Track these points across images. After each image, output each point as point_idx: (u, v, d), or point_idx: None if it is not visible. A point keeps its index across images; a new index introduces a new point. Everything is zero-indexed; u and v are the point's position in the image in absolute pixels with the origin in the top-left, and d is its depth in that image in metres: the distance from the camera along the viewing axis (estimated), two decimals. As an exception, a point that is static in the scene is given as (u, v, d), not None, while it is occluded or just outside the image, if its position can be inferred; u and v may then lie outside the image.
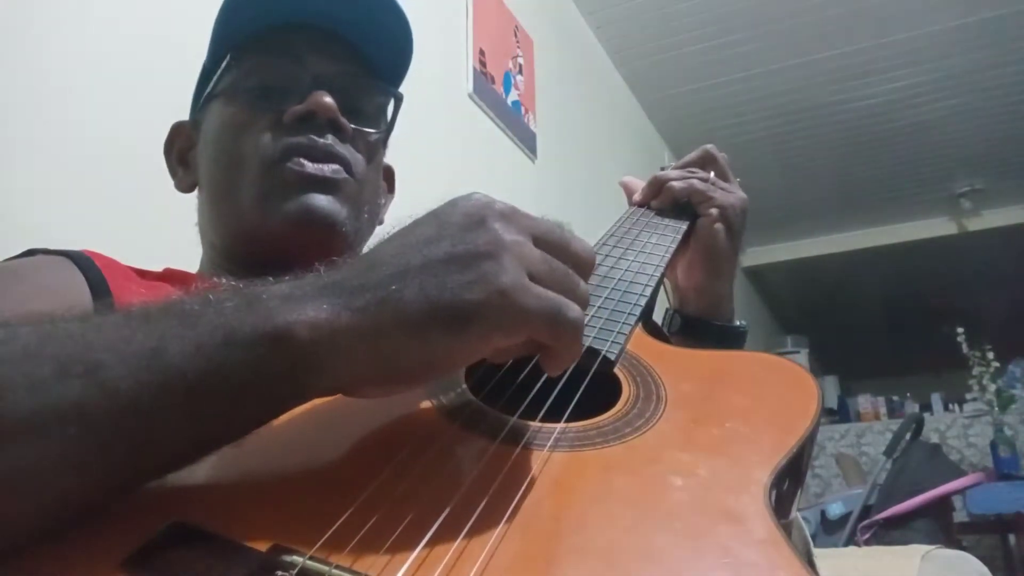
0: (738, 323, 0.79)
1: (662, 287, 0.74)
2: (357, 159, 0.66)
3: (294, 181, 0.62)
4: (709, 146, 0.84)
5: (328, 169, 0.63)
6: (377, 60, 0.70)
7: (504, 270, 0.35)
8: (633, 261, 0.65)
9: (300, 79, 0.65)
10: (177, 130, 0.74)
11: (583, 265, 0.40)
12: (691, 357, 0.59)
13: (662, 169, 0.86)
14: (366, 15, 0.68)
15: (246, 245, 0.65)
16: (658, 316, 0.72)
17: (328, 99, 0.63)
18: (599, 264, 0.64)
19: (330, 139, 0.64)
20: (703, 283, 0.78)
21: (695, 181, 0.80)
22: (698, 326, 0.77)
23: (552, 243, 0.39)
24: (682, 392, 0.49)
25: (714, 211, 0.77)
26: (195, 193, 0.72)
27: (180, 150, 0.73)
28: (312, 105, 0.63)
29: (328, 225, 0.62)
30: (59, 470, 0.30)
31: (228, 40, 0.67)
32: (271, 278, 0.36)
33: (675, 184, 0.80)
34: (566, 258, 0.39)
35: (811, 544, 0.57)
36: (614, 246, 0.68)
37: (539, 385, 0.46)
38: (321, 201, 0.62)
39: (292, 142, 0.62)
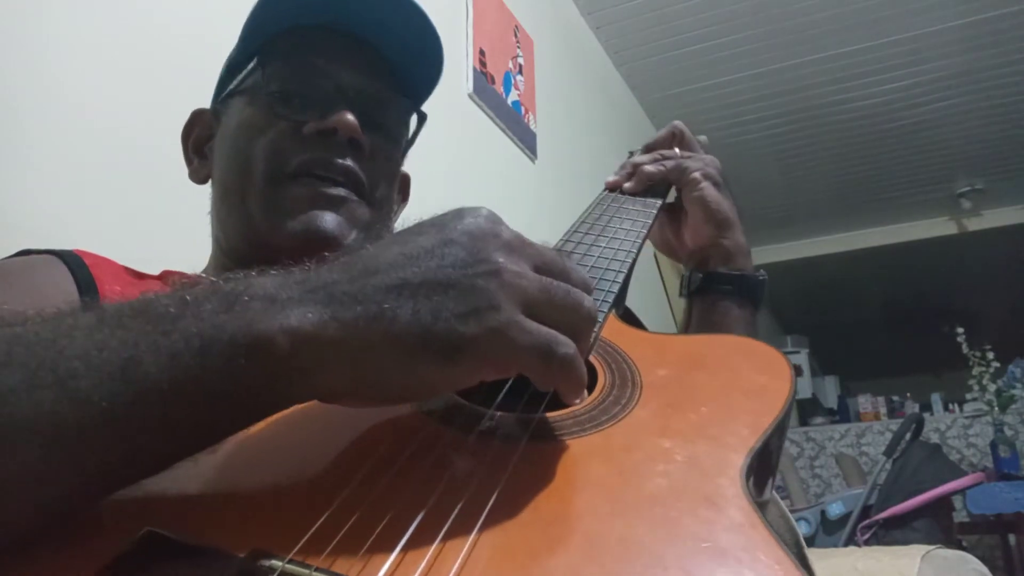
0: (760, 273, 0.78)
1: (659, 274, 0.74)
2: (374, 178, 0.66)
3: (303, 198, 0.62)
4: (676, 122, 0.85)
5: (341, 192, 0.63)
6: (405, 75, 0.70)
7: (500, 306, 0.35)
8: (605, 248, 0.64)
9: (325, 89, 0.64)
10: (197, 117, 0.73)
11: (582, 291, 0.40)
12: (665, 342, 0.58)
13: (631, 154, 0.87)
14: (401, 29, 0.68)
15: (251, 249, 0.65)
16: (631, 301, 0.72)
17: (350, 117, 0.62)
18: (571, 253, 0.63)
19: (349, 160, 0.63)
20: (714, 238, 0.77)
21: (667, 161, 0.80)
22: (717, 278, 0.77)
23: (553, 272, 0.39)
24: (657, 377, 0.49)
25: (695, 175, 0.78)
26: (205, 186, 0.72)
27: (197, 139, 0.72)
28: (334, 123, 0.62)
29: (335, 246, 0.61)
30: (30, 481, 0.30)
31: (257, 37, 0.66)
32: (254, 272, 0.35)
33: (648, 167, 0.80)
34: (567, 284, 0.39)
35: (797, 527, 0.57)
36: (585, 233, 0.68)
37: (514, 377, 0.46)
38: (328, 220, 0.62)
39: (309, 159, 0.62)
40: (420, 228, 0.38)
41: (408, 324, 0.33)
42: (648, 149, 0.85)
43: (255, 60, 0.66)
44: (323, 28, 0.66)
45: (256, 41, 0.66)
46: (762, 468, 0.42)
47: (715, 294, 0.76)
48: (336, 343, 0.33)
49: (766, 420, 0.44)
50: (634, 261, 0.65)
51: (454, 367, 0.34)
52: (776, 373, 0.50)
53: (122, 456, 0.31)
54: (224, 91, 0.70)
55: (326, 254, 0.37)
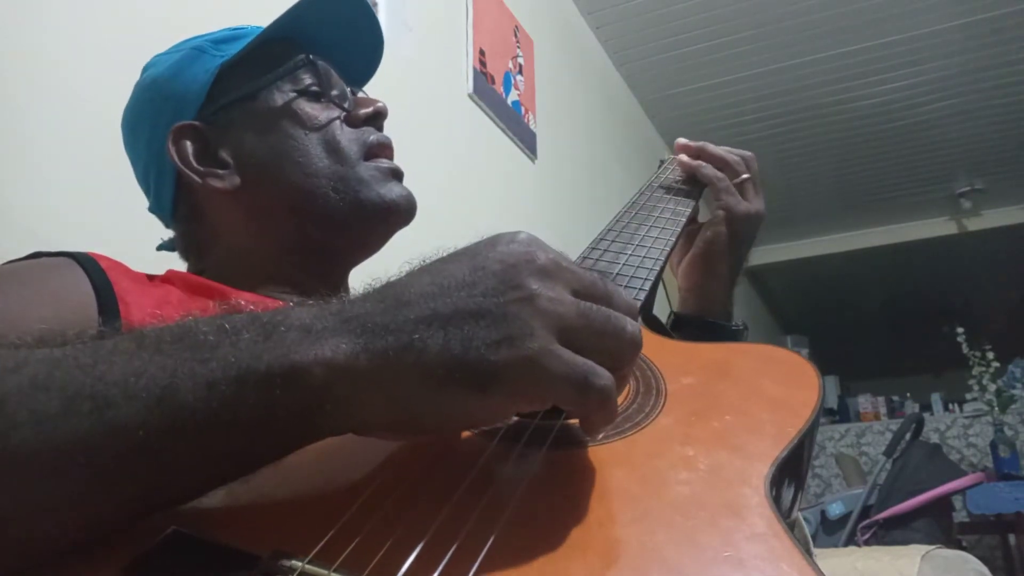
0: (734, 324, 0.79)
1: (663, 286, 0.75)
2: None
3: (387, 173, 0.69)
4: (752, 155, 0.84)
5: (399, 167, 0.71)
6: (352, 67, 0.76)
7: (534, 334, 0.33)
8: (632, 255, 0.65)
9: (340, 83, 0.72)
10: (182, 133, 0.68)
11: (625, 315, 0.38)
12: (691, 350, 0.58)
13: (661, 163, 0.87)
14: (354, 36, 0.74)
15: (322, 231, 0.67)
16: (658, 311, 0.72)
17: (383, 103, 0.72)
18: (598, 260, 0.64)
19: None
20: (698, 282, 0.79)
21: (726, 187, 0.80)
22: (689, 323, 0.78)
23: (593, 296, 0.37)
24: (682, 386, 0.49)
25: (720, 213, 0.79)
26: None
27: (197, 151, 0.69)
28: (379, 108, 0.71)
29: (414, 214, 0.70)
30: (64, 506, 0.30)
31: (283, 35, 0.71)
32: (292, 302, 0.36)
33: (705, 170, 0.81)
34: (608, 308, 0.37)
35: (811, 543, 0.57)
36: (613, 240, 0.68)
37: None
38: (408, 191, 0.70)
39: (376, 140, 0.70)
40: (453, 256, 0.37)
41: (438, 354, 0.33)
42: (715, 157, 0.84)
43: (295, 60, 0.69)
44: (290, 41, 0.71)
45: (260, 47, 0.70)
46: (788, 479, 0.42)
47: (689, 339, 0.76)
48: (368, 373, 0.33)
49: (791, 430, 0.43)
50: (662, 269, 0.65)
51: (485, 398, 0.33)
52: (803, 383, 0.49)
53: (157, 484, 0.32)
54: (219, 101, 0.68)
55: (372, 283, 0.37)
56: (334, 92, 0.71)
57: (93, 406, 0.30)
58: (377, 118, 0.71)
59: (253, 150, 0.68)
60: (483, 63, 2.03)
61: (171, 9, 1.14)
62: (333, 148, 0.68)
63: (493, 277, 0.35)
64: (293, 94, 0.69)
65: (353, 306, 0.35)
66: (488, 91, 2.03)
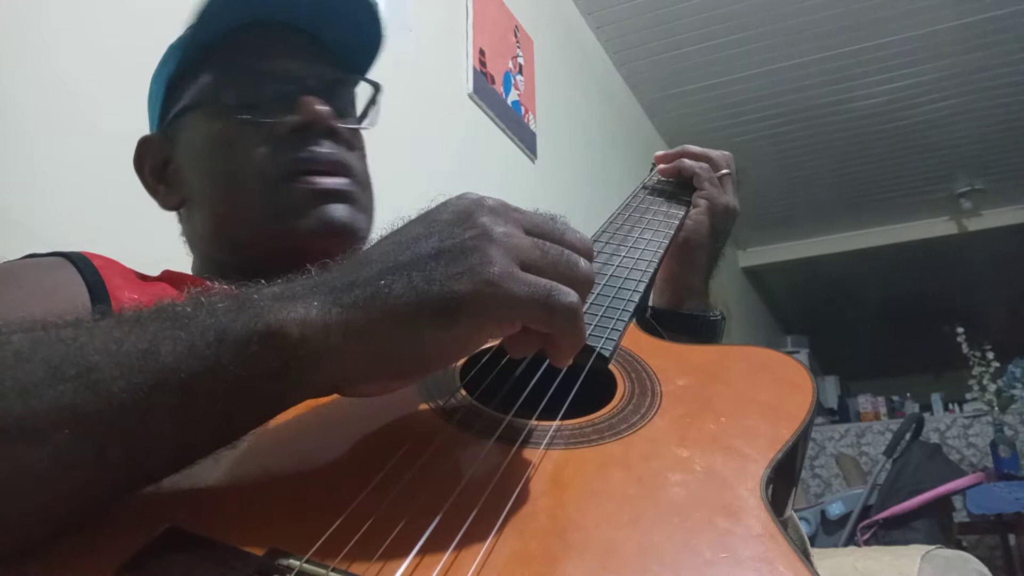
0: (712, 313, 0.79)
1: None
2: (355, 161, 0.66)
3: (308, 196, 0.61)
4: (732, 155, 0.87)
5: (342, 182, 0.63)
6: (349, 51, 0.69)
7: (492, 260, 0.35)
8: (626, 257, 0.65)
9: (285, 86, 0.63)
10: (144, 146, 0.70)
11: (580, 252, 0.40)
12: (686, 352, 0.59)
13: (653, 166, 0.88)
14: (332, 6, 0.66)
15: (259, 257, 0.63)
16: None
17: (323, 107, 0.62)
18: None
19: (329, 146, 0.63)
20: (676, 272, 0.79)
21: (709, 177, 0.82)
22: (663, 316, 0.78)
23: (545, 233, 0.39)
24: (677, 387, 0.49)
25: (703, 203, 0.80)
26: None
27: (153, 167, 0.70)
28: (309, 115, 0.62)
29: (351, 234, 0.62)
30: (55, 474, 0.30)
31: (195, 48, 0.65)
32: (264, 281, 0.36)
33: (686, 162, 0.82)
34: (562, 245, 0.39)
35: (808, 543, 0.57)
36: (607, 243, 0.68)
37: (534, 383, 0.46)
38: (340, 212, 0.62)
39: (296, 158, 0.61)
40: (409, 221, 0.39)
41: (403, 294, 0.34)
42: (697, 155, 0.86)
43: (208, 73, 0.64)
44: (255, 26, 0.65)
45: (195, 53, 0.65)
46: (783, 480, 0.42)
47: (665, 331, 0.76)
48: (340, 325, 0.34)
49: (786, 432, 0.44)
50: (655, 272, 0.65)
51: (455, 326, 0.35)
52: (797, 385, 0.50)
53: (144, 447, 0.32)
54: (171, 111, 0.68)
55: (344, 252, 0.38)
56: (261, 102, 0.63)
57: (77, 372, 0.31)
58: (306, 129, 0.62)
59: (187, 170, 0.67)
60: (483, 63, 2.03)
61: (172, 9, 1.14)
62: (253, 169, 0.61)
63: (447, 224, 0.37)
64: (217, 107, 0.64)
65: (320, 275, 0.37)
66: (488, 91, 2.03)
